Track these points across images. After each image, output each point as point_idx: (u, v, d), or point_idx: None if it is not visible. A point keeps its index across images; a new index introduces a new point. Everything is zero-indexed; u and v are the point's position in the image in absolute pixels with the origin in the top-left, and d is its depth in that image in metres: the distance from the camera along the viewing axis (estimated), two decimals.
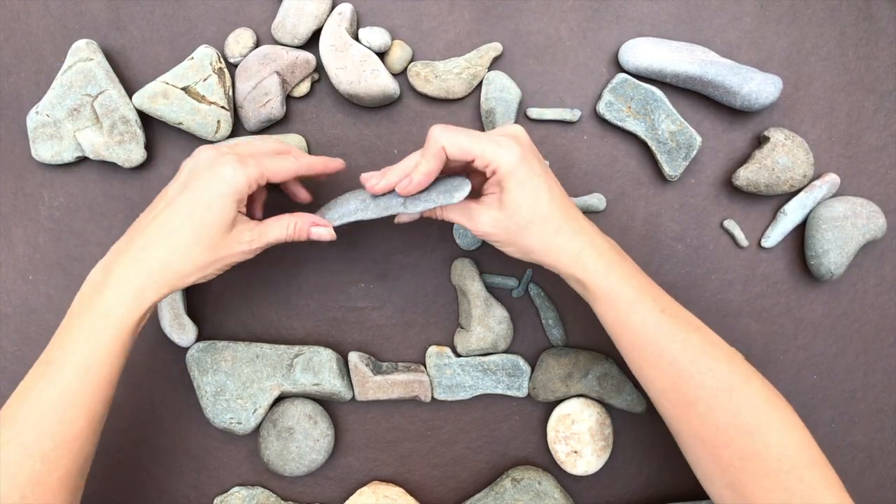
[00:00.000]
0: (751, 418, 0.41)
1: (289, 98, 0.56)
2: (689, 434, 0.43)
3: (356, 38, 0.54)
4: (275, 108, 0.54)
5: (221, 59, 0.55)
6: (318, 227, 0.47)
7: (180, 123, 0.54)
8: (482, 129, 0.55)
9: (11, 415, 0.41)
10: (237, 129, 0.56)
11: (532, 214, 0.43)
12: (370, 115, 0.56)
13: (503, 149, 0.42)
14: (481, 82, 0.55)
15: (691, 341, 0.43)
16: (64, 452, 0.41)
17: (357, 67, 0.52)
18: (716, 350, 0.43)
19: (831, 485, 0.40)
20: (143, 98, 0.53)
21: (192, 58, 0.54)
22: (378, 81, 0.52)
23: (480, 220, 0.45)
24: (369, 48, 0.53)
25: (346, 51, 0.53)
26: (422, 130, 0.56)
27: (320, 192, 0.55)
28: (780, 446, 0.40)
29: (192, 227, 0.42)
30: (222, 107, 0.54)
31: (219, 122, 0.54)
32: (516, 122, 0.55)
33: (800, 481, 0.40)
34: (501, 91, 0.54)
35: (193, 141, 0.56)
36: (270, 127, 0.56)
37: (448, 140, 0.42)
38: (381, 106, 0.56)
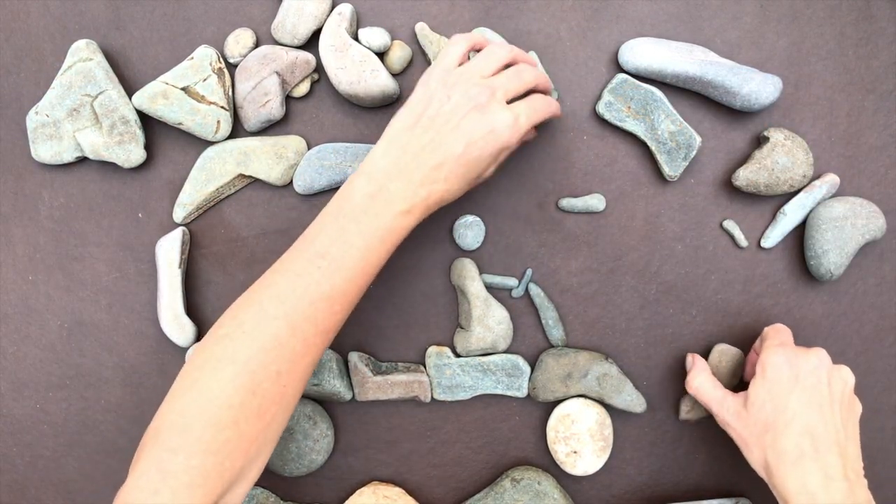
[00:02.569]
0: None
1: (288, 98, 0.56)
2: None
3: (356, 38, 0.54)
4: (274, 108, 0.54)
5: (221, 60, 0.55)
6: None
7: (180, 123, 0.54)
8: None
9: (281, 294, 0.43)
10: (237, 129, 0.56)
11: (771, 423, 0.45)
12: (370, 115, 0.56)
13: (776, 347, 0.47)
14: None
15: None
16: (320, 340, 0.44)
17: (357, 67, 0.52)
18: None
19: None
20: (143, 98, 0.53)
21: (192, 58, 0.54)
22: (378, 81, 0.52)
23: (723, 410, 0.48)
24: (369, 48, 0.53)
25: (345, 51, 0.53)
26: None
27: None
28: None
29: (465, 177, 0.45)
30: (222, 107, 0.54)
31: (218, 122, 0.54)
32: None
33: None
34: None
35: (193, 141, 0.56)
36: (270, 127, 0.56)
37: (772, 339, 0.50)
38: (381, 106, 0.56)
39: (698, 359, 0.53)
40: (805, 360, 0.46)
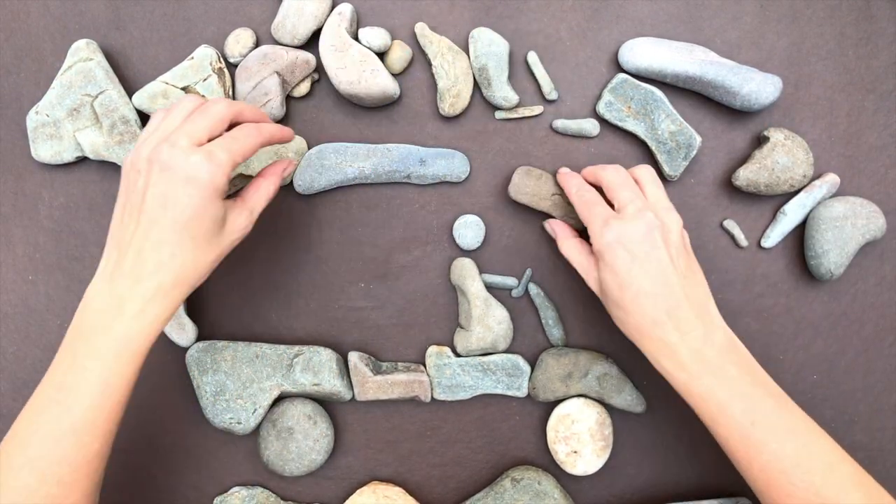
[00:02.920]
0: None
1: (289, 98, 0.56)
2: None
3: (356, 38, 0.54)
4: (275, 108, 0.54)
5: (221, 59, 0.55)
6: (288, 168, 0.50)
7: None
8: (479, 89, 0.55)
9: (23, 440, 0.40)
10: None
11: (619, 301, 0.45)
12: (370, 115, 0.56)
13: (602, 228, 0.45)
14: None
15: (784, 452, 0.41)
16: (81, 476, 0.41)
17: (357, 67, 0.52)
18: (812, 462, 0.41)
19: None
20: (143, 98, 0.53)
21: (192, 58, 0.54)
22: (378, 81, 0.52)
23: (588, 280, 0.49)
24: (369, 48, 0.53)
25: (346, 51, 0.53)
26: (421, 132, 0.56)
27: None
28: None
29: (193, 240, 0.42)
30: None
31: None
32: (512, 72, 0.55)
33: None
34: (489, 45, 0.53)
35: None
36: None
37: (583, 201, 0.48)
38: (381, 106, 0.56)
39: (557, 224, 0.52)
40: (634, 230, 0.45)
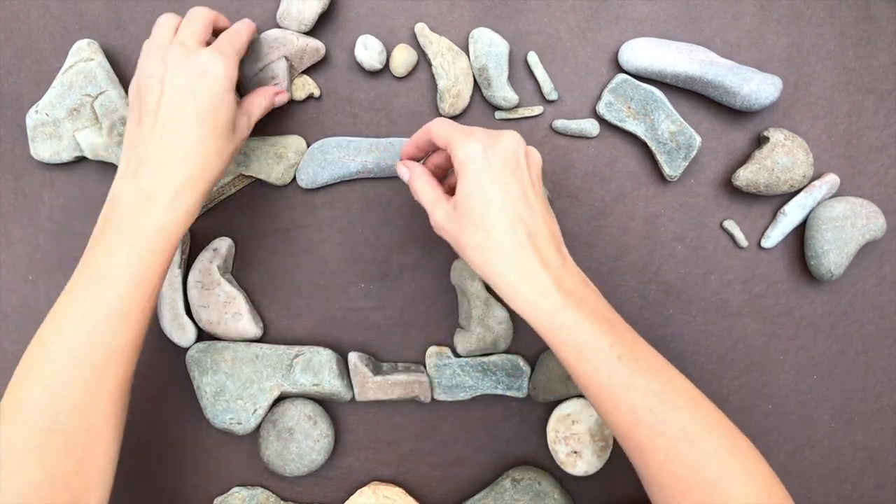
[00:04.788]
0: (712, 470, 0.39)
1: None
2: (649, 480, 0.41)
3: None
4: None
5: None
6: (280, 95, 0.53)
7: None
8: (479, 90, 0.55)
9: (59, 327, 0.42)
10: None
11: (480, 219, 0.41)
12: (370, 115, 0.56)
13: (467, 139, 0.42)
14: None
15: (651, 388, 0.40)
16: (113, 362, 0.42)
17: (220, 308, 0.55)
18: (678, 398, 0.40)
19: None
20: None
21: None
22: (238, 325, 0.55)
23: (436, 213, 0.44)
24: (368, 64, 0.53)
25: (212, 289, 0.54)
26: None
27: None
28: (741, 498, 0.38)
29: (214, 128, 0.45)
30: None
31: None
32: (512, 73, 0.55)
33: None
34: (489, 45, 0.53)
35: None
36: (270, 123, 0.56)
37: (437, 125, 0.44)
38: (382, 106, 0.56)
39: (412, 164, 0.47)
40: (501, 144, 0.42)
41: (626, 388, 0.40)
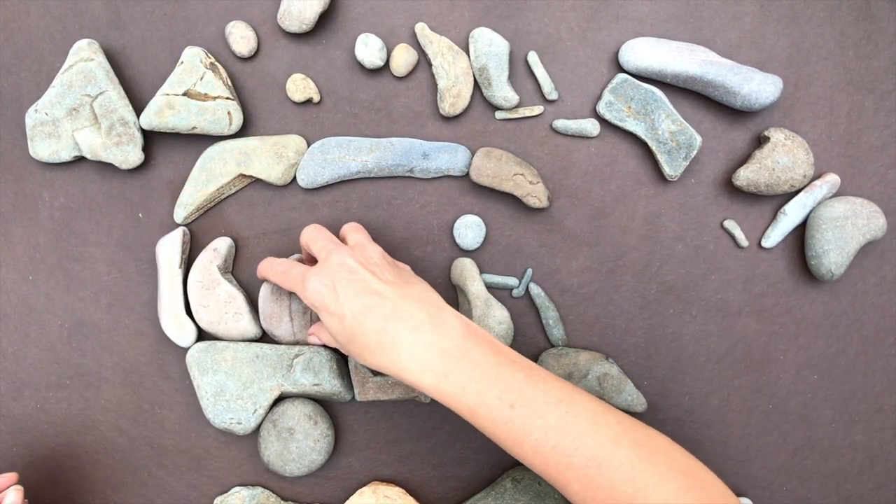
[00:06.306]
0: (626, 485, 0.39)
1: (289, 101, 0.56)
2: None
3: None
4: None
5: (210, 55, 0.54)
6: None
7: (194, 128, 0.53)
8: (479, 89, 0.55)
9: None
10: (248, 122, 0.55)
11: (347, 334, 0.44)
12: (370, 115, 0.56)
13: (304, 283, 0.46)
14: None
15: (550, 425, 0.40)
16: None
17: (220, 308, 0.55)
18: (579, 425, 0.40)
19: None
20: (151, 116, 0.53)
21: (182, 62, 0.53)
22: (238, 325, 0.55)
23: (325, 333, 0.51)
24: (369, 61, 0.53)
25: (212, 289, 0.54)
26: (422, 132, 0.56)
27: None
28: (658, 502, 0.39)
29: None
30: (227, 98, 0.53)
31: (229, 113, 0.53)
32: (512, 72, 0.55)
33: None
34: (490, 45, 0.53)
35: (193, 141, 0.56)
36: (274, 111, 0.56)
37: (279, 265, 0.50)
38: (382, 106, 0.56)
39: (314, 328, 0.53)
40: (328, 268, 0.45)
41: (526, 434, 0.40)
